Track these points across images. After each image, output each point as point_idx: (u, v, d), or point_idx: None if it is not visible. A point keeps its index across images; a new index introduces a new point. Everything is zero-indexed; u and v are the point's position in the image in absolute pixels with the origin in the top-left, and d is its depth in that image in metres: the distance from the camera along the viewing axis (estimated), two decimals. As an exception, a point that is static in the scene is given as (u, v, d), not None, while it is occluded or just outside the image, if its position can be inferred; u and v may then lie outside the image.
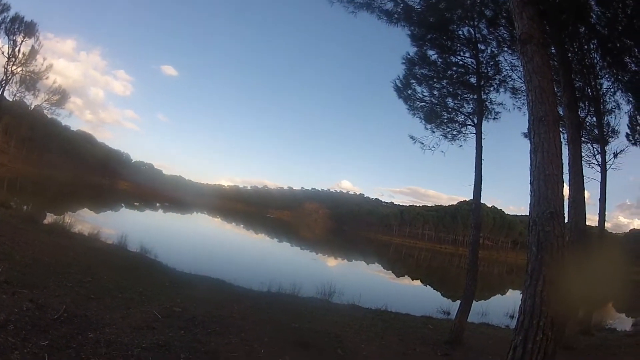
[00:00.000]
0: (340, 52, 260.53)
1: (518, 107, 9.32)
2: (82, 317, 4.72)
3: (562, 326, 5.22)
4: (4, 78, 28.18)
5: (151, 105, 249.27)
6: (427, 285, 26.81)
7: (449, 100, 9.34)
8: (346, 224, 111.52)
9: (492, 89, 8.92)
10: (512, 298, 18.11)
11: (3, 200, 14.78)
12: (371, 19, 8.34)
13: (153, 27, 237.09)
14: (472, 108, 8.94)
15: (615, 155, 11.50)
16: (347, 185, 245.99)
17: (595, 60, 9.49)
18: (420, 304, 13.04)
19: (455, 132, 9.26)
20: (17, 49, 28.32)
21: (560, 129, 6.09)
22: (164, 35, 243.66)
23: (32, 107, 36.15)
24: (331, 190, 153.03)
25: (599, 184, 11.12)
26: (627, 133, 11.86)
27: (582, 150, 9.73)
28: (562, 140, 4.67)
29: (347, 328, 7.24)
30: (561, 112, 8.06)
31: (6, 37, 27.80)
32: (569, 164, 7.59)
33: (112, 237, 13.18)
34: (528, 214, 3.92)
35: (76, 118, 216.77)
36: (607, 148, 11.37)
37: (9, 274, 5.49)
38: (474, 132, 8.37)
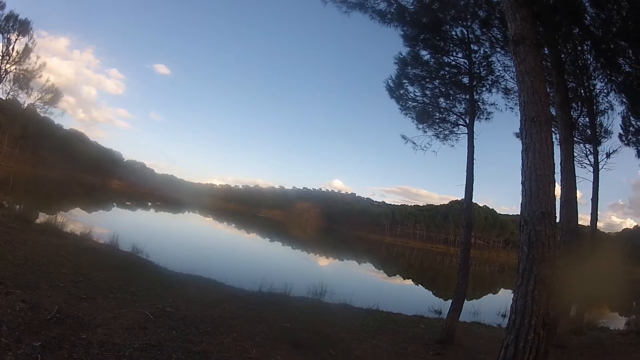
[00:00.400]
0: (333, 51, 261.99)
1: (510, 108, 9.38)
2: (74, 317, 4.69)
3: (553, 325, 5.26)
4: (-2, 76, 27.78)
5: (144, 104, 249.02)
6: (419, 285, 26.93)
7: (441, 100, 9.38)
8: (338, 224, 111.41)
9: (484, 89, 8.99)
10: (504, 297, 18.21)
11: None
12: (364, 19, 8.37)
13: (146, 26, 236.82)
14: (464, 108, 8.98)
15: (608, 155, 11.64)
16: (339, 184, 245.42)
17: (589, 61, 9.57)
18: (412, 303, 13.11)
19: (447, 132, 9.29)
20: (11, 47, 27.91)
21: (553, 129, 6.17)
22: (157, 34, 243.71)
23: (25, 105, 35.59)
24: (323, 189, 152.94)
25: (592, 183, 11.26)
26: (620, 134, 11.98)
27: (575, 150, 9.83)
28: (554, 140, 4.71)
29: (339, 327, 7.24)
30: (554, 113, 8.12)
31: (0, 35, 27.45)
32: (561, 164, 7.64)
33: (104, 237, 13.08)
34: (520, 213, 3.94)
35: (69, 117, 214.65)
36: (599, 148, 11.51)
37: (2, 274, 5.48)
38: (466, 132, 8.40)
